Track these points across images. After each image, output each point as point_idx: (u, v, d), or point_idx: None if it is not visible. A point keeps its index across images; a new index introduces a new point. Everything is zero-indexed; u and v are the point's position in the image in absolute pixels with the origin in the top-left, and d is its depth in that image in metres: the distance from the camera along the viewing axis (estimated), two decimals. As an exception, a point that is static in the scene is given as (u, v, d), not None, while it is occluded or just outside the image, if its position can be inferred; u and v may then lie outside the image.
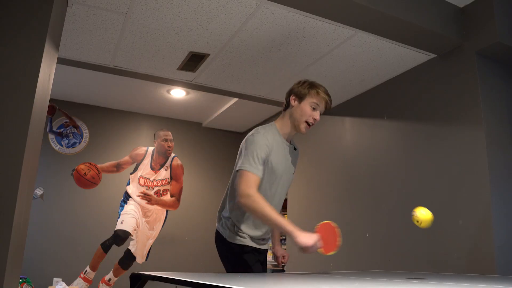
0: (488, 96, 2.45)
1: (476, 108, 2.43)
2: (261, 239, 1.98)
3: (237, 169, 1.83)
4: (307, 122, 1.91)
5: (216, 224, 2.00)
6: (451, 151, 2.54)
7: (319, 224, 1.72)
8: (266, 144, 1.84)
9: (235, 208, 1.89)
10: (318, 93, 1.90)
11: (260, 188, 1.82)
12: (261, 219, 1.75)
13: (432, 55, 2.74)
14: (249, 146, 1.83)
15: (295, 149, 2.05)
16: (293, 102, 1.93)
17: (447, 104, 2.62)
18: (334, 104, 3.64)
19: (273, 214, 1.69)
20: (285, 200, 4.27)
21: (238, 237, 1.89)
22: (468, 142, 2.44)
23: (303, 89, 1.92)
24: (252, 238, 1.92)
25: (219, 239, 1.95)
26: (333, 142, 3.66)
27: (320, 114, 1.95)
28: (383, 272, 2.07)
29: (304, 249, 1.64)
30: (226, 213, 1.94)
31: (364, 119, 3.34)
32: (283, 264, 2.14)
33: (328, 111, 1.96)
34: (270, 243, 2.10)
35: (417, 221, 1.69)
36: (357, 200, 3.27)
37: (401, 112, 2.97)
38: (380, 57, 2.79)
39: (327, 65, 2.94)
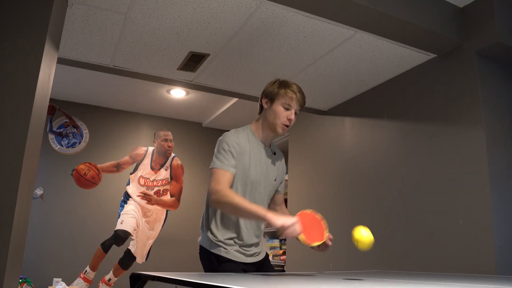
0: (488, 96, 2.45)
1: (476, 108, 2.43)
2: (247, 246, 1.83)
3: (210, 168, 1.78)
4: (283, 124, 1.82)
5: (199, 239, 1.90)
6: (451, 151, 2.54)
7: (300, 212, 1.64)
8: (236, 142, 1.78)
9: (211, 212, 1.83)
10: (287, 92, 1.81)
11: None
12: (234, 212, 1.70)
13: (432, 55, 2.74)
14: (219, 145, 1.80)
15: (274, 153, 1.95)
16: (265, 104, 1.86)
17: (447, 104, 2.62)
18: (334, 104, 3.66)
19: (245, 203, 1.63)
20: (285, 200, 4.27)
21: (218, 246, 1.78)
22: (468, 142, 2.44)
23: (273, 89, 1.84)
24: (235, 246, 1.80)
25: (201, 253, 1.85)
26: (333, 142, 3.66)
27: (296, 113, 1.85)
28: (383, 272, 2.07)
29: (281, 229, 1.55)
30: (205, 222, 1.87)
31: (364, 119, 3.34)
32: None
33: (303, 108, 1.89)
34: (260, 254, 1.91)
35: (355, 241, 1.65)
36: (357, 200, 3.27)
37: (401, 112, 2.97)
38: (380, 57, 2.79)
39: (327, 65, 2.93)
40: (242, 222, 1.81)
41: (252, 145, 1.84)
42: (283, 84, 1.85)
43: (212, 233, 1.81)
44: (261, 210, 1.63)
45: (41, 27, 1.72)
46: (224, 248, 1.78)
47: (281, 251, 4.34)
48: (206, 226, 1.84)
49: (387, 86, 3.14)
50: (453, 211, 2.45)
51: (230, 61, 2.91)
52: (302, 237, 1.57)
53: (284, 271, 4.04)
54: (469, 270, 2.28)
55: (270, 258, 4.47)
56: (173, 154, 4.95)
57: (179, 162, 4.95)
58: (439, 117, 2.66)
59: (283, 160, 2.04)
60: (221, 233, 1.79)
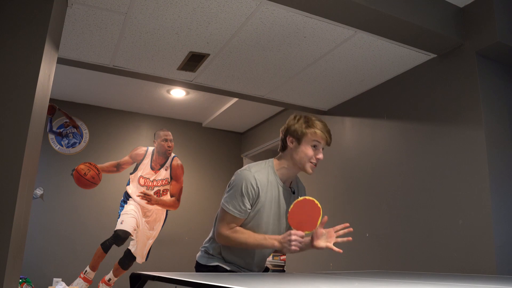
0: (488, 96, 2.45)
1: (476, 108, 2.43)
2: (245, 268, 1.86)
3: (221, 203, 1.76)
4: (311, 162, 1.78)
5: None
6: (451, 151, 2.54)
7: (288, 214, 1.73)
8: (254, 186, 1.71)
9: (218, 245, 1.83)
10: (316, 133, 1.75)
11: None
12: (243, 247, 1.75)
13: (432, 55, 2.74)
14: (236, 184, 1.72)
15: (293, 192, 1.88)
16: (291, 144, 1.79)
17: (447, 104, 2.62)
18: (334, 104, 3.66)
19: (250, 238, 1.70)
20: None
21: (211, 259, 1.82)
22: (468, 142, 2.44)
23: (299, 128, 1.77)
24: (232, 263, 1.82)
25: (197, 268, 1.86)
26: (333, 142, 3.65)
27: (322, 149, 1.81)
28: (383, 272, 2.07)
29: (290, 250, 1.66)
30: (208, 239, 1.88)
31: (364, 119, 3.34)
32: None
33: (329, 146, 1.84)
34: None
35: None
36: (357, 200, 3.27)
37: (401, 112, 2.97)
38: (380, 57, 2.79)
39: (327, 65, 2.93)
40: (251, 259, 1.84)
41: (271, 186, 1.77)
42: (310, 123, 1.78)
43: (213, 252, 1.83)
44: (266, 241, 1.70)
45: (41, 27, 1.72)
46: (225, 262, 1.81)
47: (281, 251, 4.34)
48: (210, 247, 1.85)
49: (387, 86, 3.14)
50: (453, 211, 2.45)
51: (230, 61, 2.91)
52: (306, 232, 1.70)
53: (284, 271, 4.04)
54: (469, 270, 2.28)
55: (270, 258, 4.47)
56: (173, 154, 4.95)
57: (179, 162, 4.96)
58: (439, 117, 2.66)
59: (304, 193, 1.99)
60: (227, 256, 1.83)
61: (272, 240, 1.68)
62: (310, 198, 1.73)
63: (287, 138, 1.80)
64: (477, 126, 2.40)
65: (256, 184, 1.72)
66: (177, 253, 4.73)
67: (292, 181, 1.87)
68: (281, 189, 1.80)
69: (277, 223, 1.81)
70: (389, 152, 3.03)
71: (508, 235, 2.26)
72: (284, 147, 1.83)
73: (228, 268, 1.79)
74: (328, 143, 1.81)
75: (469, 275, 2.08)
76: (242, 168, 1.79)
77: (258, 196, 1.72)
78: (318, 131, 1.76)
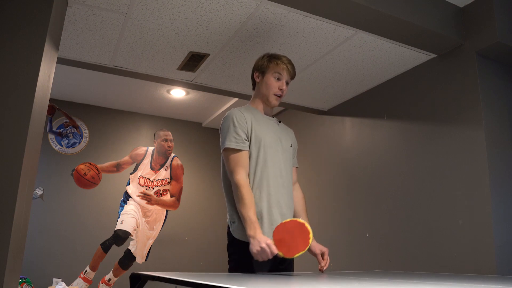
0: (488, 96, 2.45)
1: (476, 108, 2.43)
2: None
3: (222, 149, 1.79)
4: (275, 94, 1.88)
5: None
6: (451, 151, 2.54)
7: (279, 224, 1.60)
8: (241, 115, 1.80)
9: (230, 194, 1.79)
10: (277, 64, 1.87)
11: (256, 165, 1.77)
12: (237, 205, 1.68)
13: (432, 55, 2.74)
14: (226, 122, 1.80)
15: (279, 121, 2.00)
16: (257, 78, 1.92)
17: (447, 104, 2.62)
18: (334, 104, 3.66)
19: (247, 207, 1.62)
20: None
21: (242, 231, 1.71)
22: (468, 142, 2.44)
23: (263, 63, 1.90)
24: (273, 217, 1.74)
25: (228, 234, 1.82)
26: (333, 142, 3.66)
27: (287, 84, 1.91)
28: (383, 272, 2.07)
29: (254, 255, 1.56)
30: (227, 203, 1.83)
31: (364, 119, 3.34)
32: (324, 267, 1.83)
33: (293, 78, 1.94)
34: None
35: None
36: (357, 200, 3.27)
37: (401, 112, 2.97)
38: (380, 57, 2.79)
39: (327, 65, 2.94)
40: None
41: (257, 117, 1.86)
42: (273, 56, 1.91)
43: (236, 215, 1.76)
44: (249, 226, 1.60)
45: (41, 27, 1.72)
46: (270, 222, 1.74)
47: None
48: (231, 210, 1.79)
49: (387, 86, 3.14)
50: (453, 211, 2.45)
51: (230, 61, 2.91)
52: (280, 254, 1.55)
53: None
54: (469, 270, 2.28)
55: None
56: (173, 154, 4.95)
57: (179, 162, 4.96)
58: (439, 117, 2.66)
59: (292, 132, 2.07)
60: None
61: (253, 230, 1.58)
62: (308, 229, 1.55)
63: (254, 74, 1.94)
64: (477, 126, 2.40)
65: (243, 114, 1.81)
66: (177, 253, 4.73)
67: (272, 116, 1.98)
68: (267, 119, 1.90)
69: (284, 150, 1.86)
70: (389, 152, 3.03)
71: (508, 235, 2.26)
72: (254, 85, 1.96)
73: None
74: (291, 75, 1.90)
75: (469, 275, 2.08)
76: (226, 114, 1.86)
77: (249, 121, 1.79)
78: (279, 62, 1.87)
